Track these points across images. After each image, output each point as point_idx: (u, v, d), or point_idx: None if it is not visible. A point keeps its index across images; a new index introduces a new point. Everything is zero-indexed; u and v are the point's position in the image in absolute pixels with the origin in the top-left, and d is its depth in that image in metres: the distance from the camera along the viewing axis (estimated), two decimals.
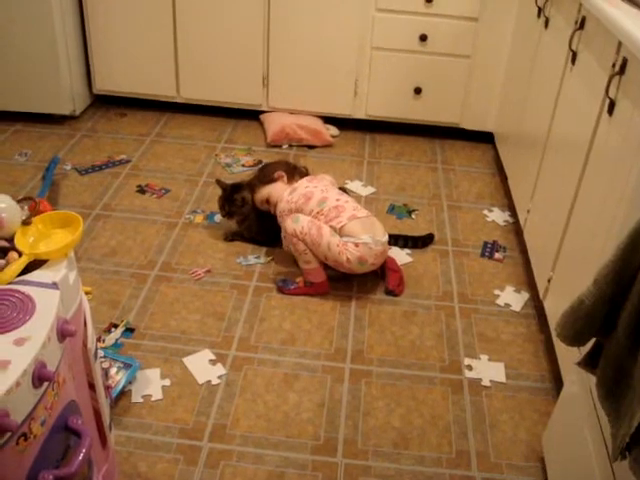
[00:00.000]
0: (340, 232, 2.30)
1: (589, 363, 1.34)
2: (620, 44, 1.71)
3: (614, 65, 1.74)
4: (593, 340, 1.31)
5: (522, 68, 2.86)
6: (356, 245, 2.28)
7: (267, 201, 2.55)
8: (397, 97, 3.39)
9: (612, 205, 1.64)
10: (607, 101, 1.75)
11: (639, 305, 1.12)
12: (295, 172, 2.60)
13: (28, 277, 1.26)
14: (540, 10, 2.58)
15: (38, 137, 3.31)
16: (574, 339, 1.28)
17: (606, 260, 1.18)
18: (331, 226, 2.31)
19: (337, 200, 2.39)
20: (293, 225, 2.32)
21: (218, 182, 2.63)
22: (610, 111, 1.74)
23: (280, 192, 2.50)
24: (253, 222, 2.60)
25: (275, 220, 2.55)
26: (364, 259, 2.30)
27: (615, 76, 1.70)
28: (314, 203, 2.38)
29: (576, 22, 2.09)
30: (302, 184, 2.49)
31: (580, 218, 1.92)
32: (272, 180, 2.56)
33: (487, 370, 2.12)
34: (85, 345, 1.40)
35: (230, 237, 2.63)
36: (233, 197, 2.57)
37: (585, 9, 2.02)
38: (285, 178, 2.56)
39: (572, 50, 2.11)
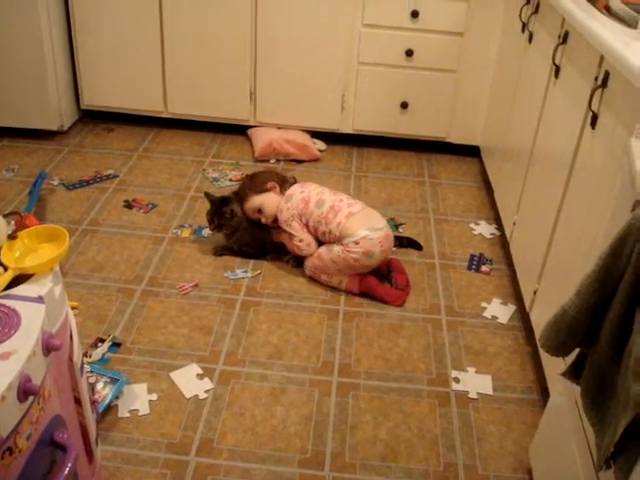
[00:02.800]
0: (341, 232, 2.41)
1: (573, 373, 1.35)
2: (602, 58, 1.73)
3: (596, 78, 1.76)
4: (577, 350, 1.32)
5: (507, 82, 2.89)
6: (356, 243, 2.38)
7: (259, 210, 2.57)
8: (384, 112, 3.41)
9: (596, 217, 1.65)
10: (590, 114, 1.77)
11: (621, 315, 1.13)
12: (285, 183, 2.62)
13: (13, 291, 1.26)
14: (524, 25, 2.60)
15: (25, 152, 3.31)
16: (558, 349, 1.29)
17: (588, 271, 1.19)
18: (331, 230, 2.42)
19: (332, 200, 2.49)
20: (306, 272, 2.54)
21: (207, 195, 2.64)
22: (593, 124, 1.75)
23: (274, 203, 2.55)
24: (243, 233, 2.60)
25: (265, 231, 2.59)
26: (370, 251, 2.39)
27: (597, 89, 1.72)
28: (313, 205, 2.49)
29: (559, 36, 2.11)
30: (296, 190, 2.56)
31: (565, 230, 1.94)
32: (265, 190, 2.58)
33: (474, 382, 2.12)
34: (71, 359, 1.39)
35: (220, 251, 2.64)
36: (222, 210, 2.57)
37: (568, 24, 2.04)
38: (278, 189, 2.59)
39: (555, 64, 2.13)
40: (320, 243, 2.51)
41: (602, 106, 1.72)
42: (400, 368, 2.17)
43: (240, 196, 2.61)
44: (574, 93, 1.94)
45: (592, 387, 1.24)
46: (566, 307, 1.23)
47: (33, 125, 3.40)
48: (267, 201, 2.56)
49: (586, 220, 1.73)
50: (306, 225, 2.50)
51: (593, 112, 1.75)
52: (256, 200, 2.57)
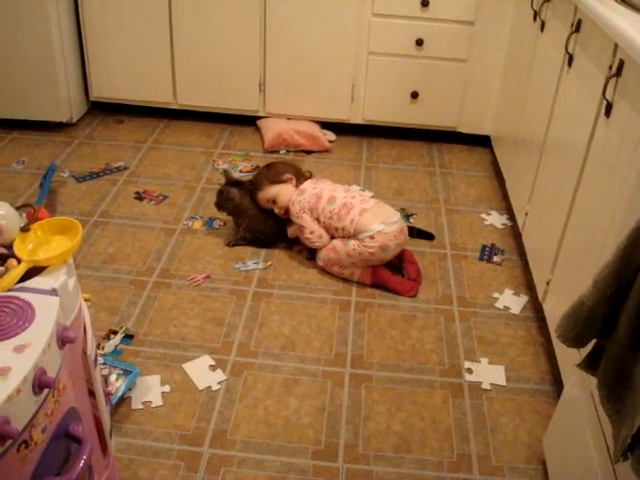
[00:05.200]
0: (355, 229, 2.40)
1: (590, 365, 1.34)
2: (616, 46, 1.71)
3: (611, 67, 1.74)
4: (593, 341, 1.31)
5: (519, 71, 2.87)
6: (372, 237, 2.38)
7: (273, 201, 2.57)
8: (394, 102, 3.39)
9: (610, 206, 1.64)
10: (604, 103, 1.75)
11: (639, 305, 1.12)
12: (301, 176, 2.64)
13: (27, 284, 1.26)
14: (536, 13, 2.58)
15: (35, 145, 3.31)
16: (575, 340, 1.28)
17: (606, 261, 1.18)
18: (344, 227, 2.42)
19: (344, 197, 2.48)
20: (318, 262, 2.53)
21: (225, 172, 2.75)
22: (607, 113, 1.74)
23: (288, 195, 2.56)
24: (254, 221, 2.61)
25: (277, 218, 2.61)
26: (385, 245, 2.39)
27: (612, 78, 1.70)
28: (324, 201, 2.48)
29: (572, 25, 2.10)
30: (309, 186, 2.56)
31: (578, 220, 1.92)
32: (281, 181, 2.59)
33: (487, 373, 2.12)
34: (85, 352, 1.39)
35: (233, 242, 2.64)
36: (221, 189, 2.64)
37: (581, 12, 2.02)
38: (294, 181, 2.60)
39: (568, 53, 2.11)
40: (331, 238, 2.51)
41: (617, 95, 1.70)
42: (413, 359, 2.16)
43: (255, 184, 2.62)
44: (588, 82, 1.92)
45: (609, 378, 1.23)
46: (583, 298, 1.22)
47: (42, 117, 3.40)
48: (282, 192, 2.57)
49: (600, 210, 1.72)
50: (317, 220, 2.49)
51: (607, 101, 1.73)
52: (271, 190, 2.58)
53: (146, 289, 2.39)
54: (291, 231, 2.61)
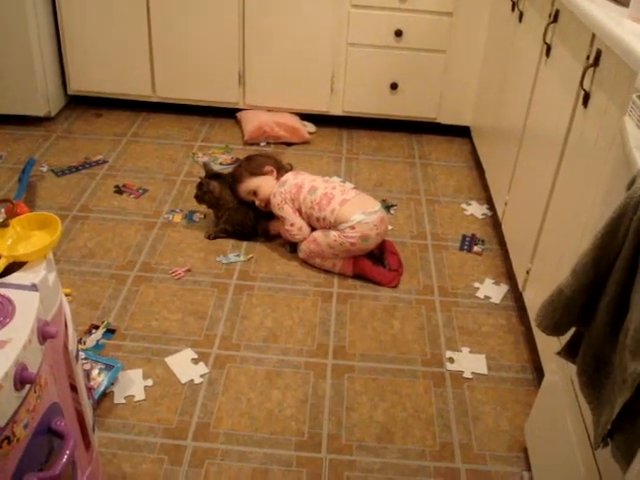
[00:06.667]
0: (336, 219, 2.41)
1: (569, 352, 1.35)
2: (594, 36, 1.72)
3: (588, 57, 1.75)
4: (573, 329, 1.33)
5: (497, 62, 2.88)
6: (352, 228, 2.39)
7: (254, 193, 2.57)
8: (373, 93, 3.39)
9: (589, 196, 1.65)
10: (582, 93, 1.77)
11: (617, 293, 1.13)
12: (281, 169, 2.64)
13: (7, 279, 1.25)
14: (514, 4, 2.59)
15: (13, 139, 3.28)
16: (554, 329, 1.29)
17: (584, 250, 1.19)
18: (325, 217, 2.43)
19: (325, 188, 2.49)
20: (300, 255, 2.53)
21: (205, 165, 2.73)
22: (585, 103, 1.75)
23: (270, 187, 2.56)
24: (234, 212, 2.61)
25: (257, 210, 2.62)
26: (366, 235, 2.40)
27: (589, 68, 1.72)
28: (306, 192, 2.49)
29: (550, 15, 2.11)
30: (290, 177, 2.57)
31: (557, 209, 1.94)
32: (262, 173, 2.59)
33: (468, 362, 2.13)
34: (66, 347, 1.38)
35: (213, 235, 2.63)
36: (201, 181, 2.63)
37: (559, 2, 2.03)
38: (275, 173, 2.60)
39: (546, 43, 2.13)
40: (312, 229, 2.51)
41: (594, 85, 1.72)
42: (394, 349, 2.17)
43: (236, 177, 2.61)
44: (566, 72, 1.93)
45: (588, 365, 1.24)
46: (562, 286, 1.23)
47: (20, 111, 3.36)
48: (263, 184, 2.57)
49: (579, 199, 1.74)
50: (298, 211, 2.50)
51: (585, 91, 1.74)
52: (252, 182, 2.58)
53: (127, 283, 2.38)
54: (274, 227, 2.61)
